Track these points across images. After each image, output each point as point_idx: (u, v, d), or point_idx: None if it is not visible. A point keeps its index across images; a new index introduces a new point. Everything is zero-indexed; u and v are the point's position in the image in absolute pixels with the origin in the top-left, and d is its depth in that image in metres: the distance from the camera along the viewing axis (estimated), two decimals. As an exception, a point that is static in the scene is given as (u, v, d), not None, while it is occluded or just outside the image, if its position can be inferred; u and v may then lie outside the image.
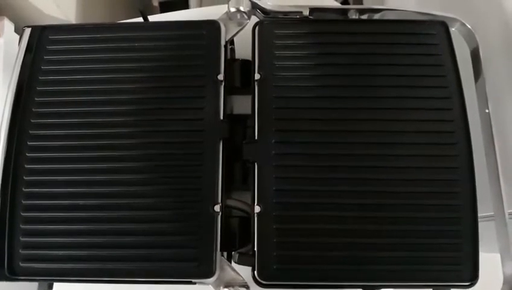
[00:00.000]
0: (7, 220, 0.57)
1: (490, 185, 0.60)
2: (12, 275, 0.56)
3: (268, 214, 0.55)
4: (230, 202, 0.61)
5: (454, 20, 0.64)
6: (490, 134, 0.60)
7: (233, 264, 0.57)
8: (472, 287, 0.54)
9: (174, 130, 0.59)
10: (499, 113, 0.62)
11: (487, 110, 0.61)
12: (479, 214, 0.56)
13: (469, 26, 0.64)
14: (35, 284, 0.59)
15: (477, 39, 0.64)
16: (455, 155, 0.57)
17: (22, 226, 0.56)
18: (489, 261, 0.60)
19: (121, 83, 0.61)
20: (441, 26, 0.62)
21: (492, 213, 0.60)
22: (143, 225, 0.56)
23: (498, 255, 0.58)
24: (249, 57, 0.62)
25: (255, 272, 0.54)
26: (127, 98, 0.60)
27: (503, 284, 0.56)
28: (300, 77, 0.60)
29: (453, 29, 0.64)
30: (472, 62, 0.64)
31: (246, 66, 0.64)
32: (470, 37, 0.64)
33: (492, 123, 0.61)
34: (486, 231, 0.58)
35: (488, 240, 0.59)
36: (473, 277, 0.54)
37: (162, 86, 0.61)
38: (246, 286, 0.54)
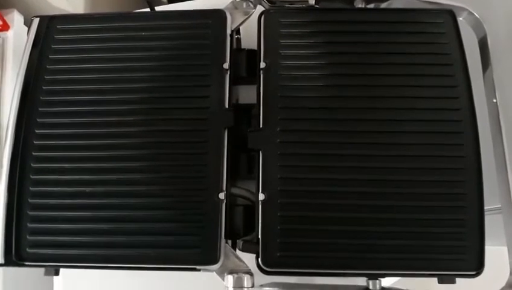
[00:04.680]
0: (15, 206, 0.57)
1: (497, 176, 0.59)
2: (20, 260, 0.56)
3: (272, 201, 0.55)
4: (235, 190, 0.61)
5: (461, 9, 0.63)
6: (498, 124, 0.60)
7: (237, 251, 0.58)
8: (478, 277, 0.54)
9: (179, 118, 0.59)
10: (506, 104, 0.61)
11: (495, 100, 0.61)
12: (486, 207, 0.55)
13: (477, 15, 0.63)
14: (42, 269, 0.59)
15: (485, 28, 0.63)
16: (461, 144, 0.56)
17: (30, 213, 0.57)
18: (496, 254, 0.60)
19: (127, 72, 0.61)
20: (448, 15, 0.61)
21: (499, 206, 0.59)
22: (148, 211, 0.56)
23: (505, 248, 0.58)
24: (255, 47, 0.62)
25: (259, 259, 0.54)
26: (133, 87, 0.61)
27: (510, 274, 0.56)
28: (305, 65, 0.60)
29: (461, 18, 0.64)
30: (480, 51, 0.64)
31: (252, 55, 0.64)
32: (477, 26, 0.64)
33: (500, 113, 0.60)
34: (493, 224, 0.58)
35: (496, 234, 0.59)
36: (479, 267, 0.53)
37: (168, 75, 0.61)
38: (250, 273, 0.54)
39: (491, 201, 0.58)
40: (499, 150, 0.60)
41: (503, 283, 0.56)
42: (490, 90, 0.62)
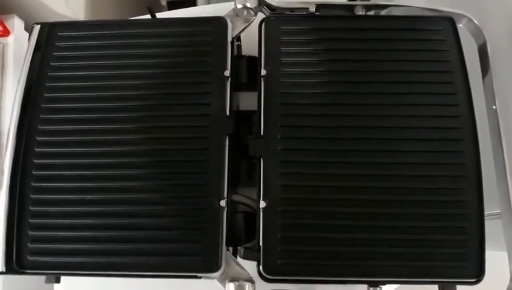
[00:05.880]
0: (16, 214, 0.57)
1: (497, 182, 0.60)
2: (21, 268, 0.56)
3: (273, 209, 0.55)
4: (236, 197, 0.61)
5: (461, 16, 0.64)
6: (497, 131, 0.60)
7: (238, 259, 0.58)
8: (478, 284, 0.54)
9: (180, 126, 0.59)
10: (506, 110, 0.61)
11: (494, 107, 0.61)
12: (486, 212, 0.55)
13: (476, 22, 0.63)
14: (43, 277, 0.59)
15: (485, 35, 0.63)
16: (461, 151, 0.56)
17: (30, 220, 0.57)
18: (496, 259, 0.60)
19: (128, 79, 0.62)
20: (448, 22, 0.62)
21: (499, 211, 0.60)
22: (149, 219, 0.56)
23: (505, 253, 0.58)
24: (256, 54, 0.62)
25: (260, 266, 0.54)
26: (134, 94, 0.61)
27: (510, 281, 0.56)
28: (306, 72, 0.60)
29: (460, 25, 0.64)
30: (480, 58, 0.64)
31: (253, 62, 0.64)
32: (477, 33, 0.64)
33: (500, 120, 0.60)
34: (493, 229, 0.58)
35: (495, 238, 0.59)
36: (479, 274, 0.53)
37: (169, 82, 0.61)
38: (251, 280, 0.54)
39: (489, 206, 0.58)
40: (498, 157, 0.60)
41: (502, 288, 0.56)
42: (490, 96, 0.62)
